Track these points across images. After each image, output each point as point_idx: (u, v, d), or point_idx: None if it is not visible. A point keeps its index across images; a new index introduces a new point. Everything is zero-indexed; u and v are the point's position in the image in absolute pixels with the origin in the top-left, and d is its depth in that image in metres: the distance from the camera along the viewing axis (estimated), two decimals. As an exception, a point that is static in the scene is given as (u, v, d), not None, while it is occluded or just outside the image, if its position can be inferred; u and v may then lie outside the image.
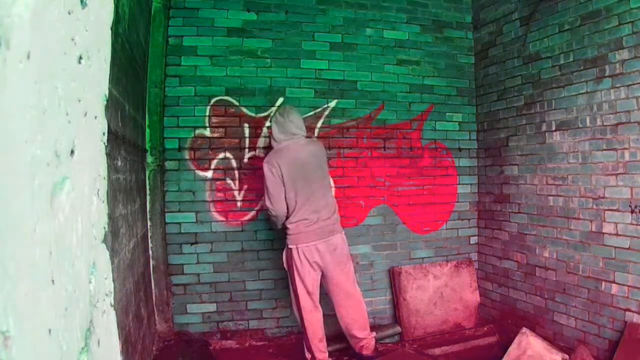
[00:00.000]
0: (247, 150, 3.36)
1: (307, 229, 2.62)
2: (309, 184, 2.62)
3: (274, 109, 3.39)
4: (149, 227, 3.02)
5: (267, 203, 2.64)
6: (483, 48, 3.76)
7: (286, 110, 2.72)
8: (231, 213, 3.32)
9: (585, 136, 2.86)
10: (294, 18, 3.45)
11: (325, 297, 2.87)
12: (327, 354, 2.80)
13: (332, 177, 3.50)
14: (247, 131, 3.35)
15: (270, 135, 2.75)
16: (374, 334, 2.90)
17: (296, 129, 2.66)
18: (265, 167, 2.59)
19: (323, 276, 2.75)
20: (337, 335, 3.04)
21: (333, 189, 2.91)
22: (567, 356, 2.63)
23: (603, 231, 2.73)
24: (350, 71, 3.57)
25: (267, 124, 2.75)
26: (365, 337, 2.80)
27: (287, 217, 2.68)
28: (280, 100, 3.40)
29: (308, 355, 2.79)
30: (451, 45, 3.83)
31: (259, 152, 3.38)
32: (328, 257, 2.66)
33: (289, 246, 2.68)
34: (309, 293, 2.69)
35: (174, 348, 2.83)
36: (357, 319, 2.78)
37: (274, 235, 3.41)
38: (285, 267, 2.77)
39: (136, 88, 2.38)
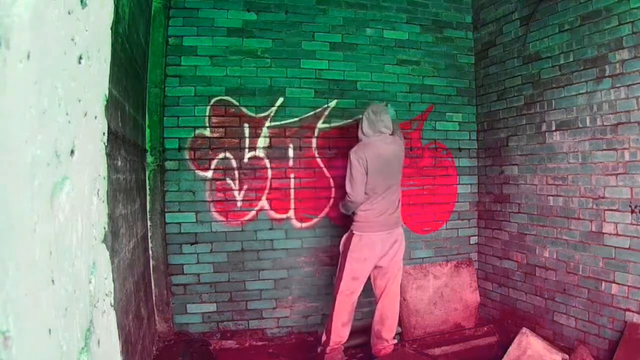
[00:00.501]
0: (247, 150, 3.36)
1: (376, 219, 2.77)
2: (387, 179, 2.77)
3: (274, 109, 3.39)
4: (149, 227, 3.02)
5: (348, 189, 2.76)
6: (483, 48, 3.76)
7: (379, 108, 2.83)
8: (231, 213, 3.32)
9: (585, 136, 2.86)
10: (294, 18, 3.45)
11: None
12: (344, 340, 2.87)
13: (331, 177, 3.52)
14: (247, 131, 3.35)
15: (359, 128, 2.87)
16: (395, 341, 2.98)
17: (384, 128, 2.79)
18: (353, 157, 2.72)
19: (376, 267, 2.86)
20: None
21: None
22: (567, 356, 2.63)
23: (603, 231, 2.73)
24: (350, 71, 3.57)
25: (362, 116, 2.86)
26: (388, 340, 2.89)
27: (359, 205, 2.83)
28: (280, 100, 3.41)
29: (324, 337, 2.86)
30: (451, 45, 3.83)
31: (259, 152, 3.38)
32: (387, 247, 2.80)
33: (355, 232, 2.81)
34: (354, 279, 2.80)
35: (174, 348, 2.82)
36: (389, 318, 2.89)
37: (274, 236, 3.41)
38: (341, 249, 2.89)
39: (136, 88, 2.38)
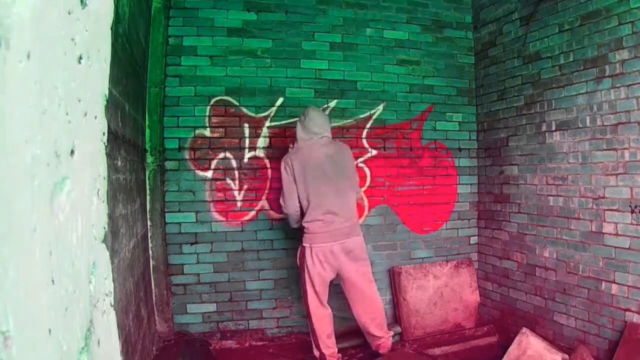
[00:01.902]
0: (247, 150, 3.36)
1: (322, 230, 2.63)
2: (322, 184, 2.62)
3: (274, 109, 3.40)
4: (149, 227, 3.02)
5: (281, 200, 2.71)
6: (483, 48, 3.76)
7: (309, 110, 2.75)
8: (231, 213, 3.32)
9: (585, 136, 2.86)
10: (294, 18, 3.45)
11: (339, 296, 2.90)
12: (335, 350, 2.82)
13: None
14: (247, 131, 3.36)
15: (294, 136, 2.78)
16: (391, 333, 2.93)
17: (317, 128, 2.65)
18: (281, 166, 2.66)
19: (339, 276, 2.76)
20: (351, 331, 3.09)
21: (359, 195, 2.88)
22: (567, 356, 2.63)
23: (603, 231, 2.73)
24: (350, 71, 3.57)
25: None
26: (382, 336, 2.83)
27: (302, 216, 2.70)
28: (281, 100, 3.41)
29: (316, 352, 2.80)
30: (451, 45, 3.83)
31: (259, 152, 3.38)
32: (343, 258, 2.67)
33: (303, 244, 2.71)
34: (316, 292, 2.71)
35: (174, 348, 2.82)
36: (374, 318, 2.81)
37: (274, 235, 3.41)
38: (298, 264, 2.81)
39: (136, 88, 2.38)
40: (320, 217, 2.63)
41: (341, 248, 2.65)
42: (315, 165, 2.62)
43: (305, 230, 2.69)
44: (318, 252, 2.65)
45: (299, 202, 2.67)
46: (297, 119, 2.83)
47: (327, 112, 3.51)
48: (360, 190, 2.87)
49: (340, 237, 2.64)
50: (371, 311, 2.80)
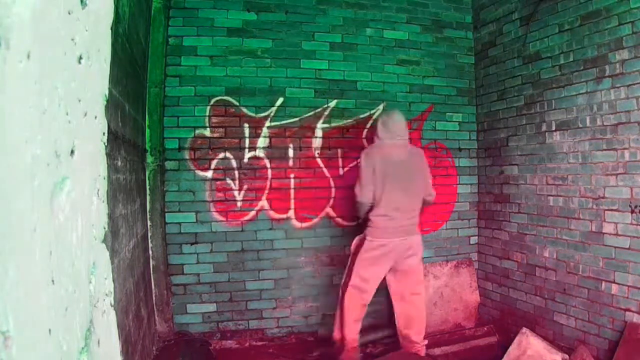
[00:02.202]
0: (247, 150, 3.36)
1: (387, 225, 2.73)
2: (397, 182, 2.73)
3: (274, 109, 3.39)
4: (149, 227, 3.02)
5: (356, 189, 2.78)
6: (483, 48, 3.76)
7: (394, 113, 2.85)
8: (231, 213, 3.32)
9: (585, 136, 2.86)
10: (294, 18, 3.45)
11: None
12: (357, 337, 2.84)
13: (331, 177, 3.51)
14: (247, 131, 3.35)
15: (375, 132, 2.88)
16: (426, 341, 2.91)
17: (399, 131, 2.79)
18: (362, 156, 2.75)
19: (392, 272, 2.82)
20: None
21: (432, 197, 2.94)
22: (567, 356, 2.63)
23: (603, 231, 2.73)
24: (350, 71, 3.57)
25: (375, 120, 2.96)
26: (418, 342, 2.84)
27: (371, 209, 2.79)
28: (280, 100, 3.41)
29: (337, 335, 2.83)
30: (451, 45, 3.83)
31: (259, 152, 3.38)
32: (401, 255, 2.76)
33: (367, 237, 2.78)
34: (364, 280, 2.76)
35: (174, 348, 2.82)
36: (416, 320, 2.83)
37: (274, 236, 3.41)
38: (352, 250, 2.87)
39: (136, 88, 2.38)
40: (387, 213, 2.73)
41: (402, 244, 2.75)
42: (395, 163, 2.74)
43: (370, 224, 2.79)
44: (379, 246, 2.74)
45: (373, 194, 2.77)
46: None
47: (327, 112, 3.51)
48: (433, 192, 2.95)
49: (402, 234, 2.75)
50: (415, 312, 2.83)
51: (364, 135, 3.60)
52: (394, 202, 2.73)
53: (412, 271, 2.82)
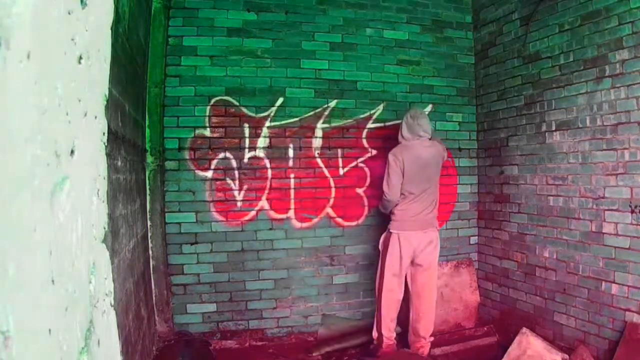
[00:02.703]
0: (247, 150, 3.36)
1: (411, 219, 2.88)
2: (424, 181, 2.87)
3: (274, 109, 3.40)
4: (149, 227, 3.02)
5: (385, 188, 2.89)
6: (483, 48, 3.76)
7: (417, 114, 2.94)
8: (231, 213, 3.32)
9: (585, 136, 2.86)
10: (294, 18, 3.45)
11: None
12: (394, 335, 3.00)
13: (331, 177, 3.51)
14: (247, 131, 3.35)
15: (399, 131, 2.98)
16: (432, 339, 3.05)
17: (422, 132, 2.89)
18: (391, 158, 2.86)
19: (412, 265, 2.96)
20: (352, 332, 3.26)
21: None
22: (567, 356, 2.63)
23: (603, 231, 2.73)
24: (350, 71, 3.57)
25: (401, 121, 3.00)
26: (425, 337, 2.98)
27: (396, 204, 2.92)
28: (280, 100, 3.41)
29: (375, 334, 2.99)
30: (451, 45, 3.83)
31: (259, 152, 3.38)
32: (423, 247, 2.91)
33: (391, 230, 2.92)
34: (395, 275, 2.91)
35: (174, 348, 2.82)
36: (426, 315, 2.97)
37: (274, 236, 3.41)
38: (380, 248, 2.98)
39: (136, 88, 2.38)
40: (412, 207, 2.87)
41: (424, 236, 2.90)
42: (422, 163, 2.86)
43: (395, 218, 2.92)
44: (404, 239, 2.88)
45: (401, 192, 2.89)
46: (400, 121, 3.04)
47: (327, 112, 3.51)
48: None
49: (424, 226, 2.91)
50: (428, 307, 2.98)
51: (364, 135, 3.60)
52: (420, 199, 2.88)
53: (430, 267, 2.96)
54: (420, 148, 2.88)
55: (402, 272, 2.94)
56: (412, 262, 2.95)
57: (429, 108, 3.74)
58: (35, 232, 0.60)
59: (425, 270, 2.95)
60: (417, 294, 2.99)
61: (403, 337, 3.34)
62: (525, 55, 3.31)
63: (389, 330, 2.95)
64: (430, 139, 2.95)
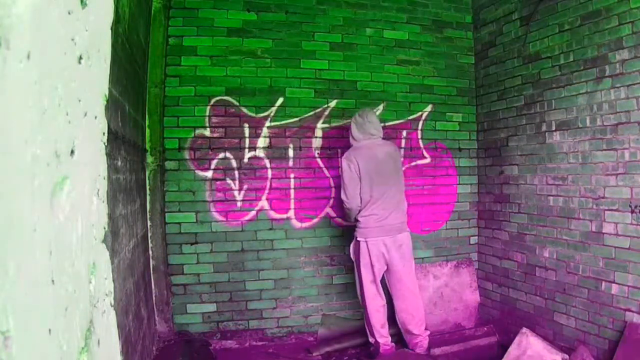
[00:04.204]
0: (247, 150, 3.36)
1: (377, 224, 2.78)
2: (384, 181, 2.78)
3: (274, 109, 3.40)
4: (149, 227, 3.02)
5: (343, 196, 2.82)
6: (483, 48, 3.76)
7: (365, 112, 2.89)
8: (231, 213, 3.32)
9: (585, 136, 2.86)
10: (294, 18, 3.45)
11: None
12: (389, 339, 2.97)
13: (331, 177, 3.51)
14: (247, 131, 3.35)
15: (349, 134, 2.92)
16: (428, 332, 3.03)
17: (374, 130, 2.82)
18: (344, 162, 2.77)
19: (387, 270, 2.90)
20: (351, 332, 3.24)
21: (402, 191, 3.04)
22: (567, 356, 2.63)
23: (603, 231, 2.73)
24: (350, 71, 3.57)
25: (351, 122, 2.97)
26: (420, 334, 2.96)
27: (359, 211, 2.84)
28: (280, 100, 3.41)
29: (372, 339, 2.99)
30: (451, 45, 3.83)
31: (259, 152, 3.38)
32: (394, 252, 2.83)
33: (358, 239, 2.84)
34: (373, 282, 2.86)
35: (174, 348, 2.82)
36: (415, 315, 2.94)
37: (274, 236, 3.41)
38: (352, 258, 2.94)
39: (136, 88, 2.38)
40: (376, 212, 2.77)
41: (393, 241, 2.81)
42: (378, 163, 2.77)
43: (359, 225, 2.83)
44: (372, 246, 2.79)
45: (360, 197, 2.80)
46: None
47: (327, 112, 3.51)
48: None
49: (392, 232, 2.80)
50: (413, 308, 2.93)
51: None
52: (383, 201, 2.77)
53: (405, 269, 2.89)
54: (373, 147, 2.79)
55: (377, 278, 2.88)
56: (387, 268, 2.89)
57: (429, 108, 3.74)
58: (35, 232, 0.60)
59: (402, 273, 2.89)
60: (401, 297, 2.93)
61: (401, 336, 3.34)
62: (525, 55, 3.31)
63: (381, 336, 2.93)
64: (382, 138, 2.90)
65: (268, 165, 3.39)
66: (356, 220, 2.87)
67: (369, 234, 2.80)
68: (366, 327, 3.00)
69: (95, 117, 1.05)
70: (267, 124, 3.39)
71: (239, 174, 3.34)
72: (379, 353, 2.92)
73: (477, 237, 3.88)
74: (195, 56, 3.25)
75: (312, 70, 3.48)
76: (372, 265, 2.82)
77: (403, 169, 3.02)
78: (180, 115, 3.24)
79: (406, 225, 2.95)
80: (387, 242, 2.80)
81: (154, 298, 3.04)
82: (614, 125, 2.67)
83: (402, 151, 3.67)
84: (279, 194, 3.41)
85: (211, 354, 2.98)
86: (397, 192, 2.86)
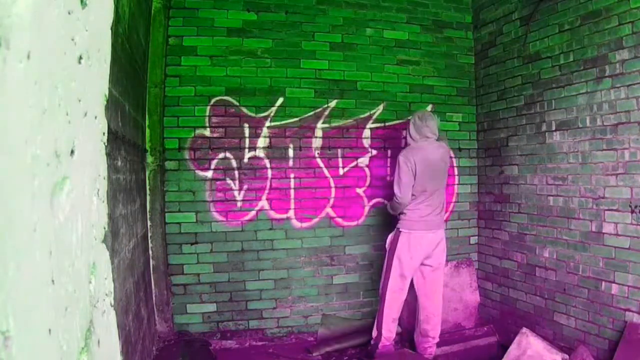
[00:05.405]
0: (247, 150, 3.36)
1: (421, 219, 2.88)
2: (434, 182, 2.89)
3: (274, 109, 3.40)
4: (149, 227, 3.02)
5: (396, 190, 2.89)
6: (483, 48, 3.76)
7: (425, 115, 2.96)
8: (231, 213, 3.32)
9: (585, 136, 2.86)
10: (294, 18, 3.45)
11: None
12: (393, 335, 3.00)
13: (331, 177, 3.52)
14: (247, 131, 3.35)
15: (407, 133, 3.00)
16: (438, 340, 3.05)
17: (430, 133, 2.91)
18: (401, 159, 2.85)
19: (420, 267, 2.95)
20: (352, 332, 3.23)
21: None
22: (567, 356, 2.63)
23: (603, 231, 2.73)
24: (350, 71, 3.57)
25: (409, 122, 3.01)
26: (434, 338, 2.99)
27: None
28: (280, 100, 3.41)
29: (375, 333, 2.99)
30: (451, 45, 3.83)
31: (259, 152, 3.38)
32: (433, 247, 2.91)
33: (401, 230, 2.91)
34: (402, 276, 2.90)
35: (174, 348, 2.83)
36: (435, 315, 2.99)
37: (274, 236, 3.41)
38: (387, 247, 2.99)
39: (136, 88, 2.38)
40: (422, 208, 2.87)
41: (434, 237, 2.90)
42: (431, 164, 2.87)
43: (405, 217, 2.91)
44: (414, 239, 2.87)
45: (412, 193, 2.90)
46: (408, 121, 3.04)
47: (327, 112, 3.51)
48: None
49: (434, 227, 2.91)
50: (436, 307, 2.99)
51: (364, 135, 3.60)
52: (431, 199, 2.88)
53: (439, 268, 2.96)
54: (428, 149, 2.89)
55: (410, 273, 2.92)
56: (421, 263, 2.94)
57: (429, 108, 3.73)
58: (35, 232, 0.60)
59: (434, 270, 2.95)
60: (426, 295, 2.98)
61: (404, 337, 3.34)
62: (525, 55, 3.31)
63: (389, 330, 2.94)
64: (437, 140, 2.96)
65: (268, 165, 3.39)
66: (401, 213, 2.95)
67: (414, 226, 2.88)
68: (376, 319, 3.01)
69: (95, 117, 1.05)
70: (267, 124, 3.39)
71: (239, 174, 3.34)
72: (377, 351, 2.92)
73: (477, 237, 3.88)
74: (195, 56, 3.25)
75: (312, 70, 3.48)
76: (410, 258, 2.88)
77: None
78: (180, 115, 3.24)
79: (444, 223, 3.05)
80: (428, 237, 2.89)
81: (154, 298, 3.05)
82: (614, 125, 2.67)
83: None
84: (279, 194, 3.41)
85: (211, 354, 2.98)
86: (442, 192, 2.98)
